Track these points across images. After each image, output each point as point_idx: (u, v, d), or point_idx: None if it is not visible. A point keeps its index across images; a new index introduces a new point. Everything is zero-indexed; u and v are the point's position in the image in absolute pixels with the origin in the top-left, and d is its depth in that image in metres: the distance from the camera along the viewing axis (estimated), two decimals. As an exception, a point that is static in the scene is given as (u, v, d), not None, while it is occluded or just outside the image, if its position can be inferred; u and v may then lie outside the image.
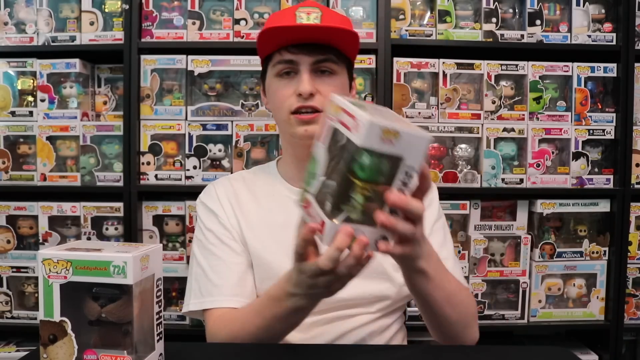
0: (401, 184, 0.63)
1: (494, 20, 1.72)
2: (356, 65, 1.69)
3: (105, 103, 1.81)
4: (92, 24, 1.72)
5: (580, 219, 1.78)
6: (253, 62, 1.67)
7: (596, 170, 1.75)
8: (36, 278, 1.48)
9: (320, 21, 0.98)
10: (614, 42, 1.73)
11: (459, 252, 1.72)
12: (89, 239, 1.71)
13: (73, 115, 1.71)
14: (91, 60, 1.80)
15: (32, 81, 1.75)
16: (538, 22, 1.73)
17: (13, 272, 1.71)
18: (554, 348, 0.83)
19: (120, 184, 1.70)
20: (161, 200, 1.73)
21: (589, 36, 1.73)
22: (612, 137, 1.73)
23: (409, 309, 1.60)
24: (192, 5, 1.70)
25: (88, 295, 0.65)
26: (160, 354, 0.71)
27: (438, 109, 1.71)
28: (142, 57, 1.69)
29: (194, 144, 1.70)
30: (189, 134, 1.69)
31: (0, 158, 1.72)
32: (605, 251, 1.74)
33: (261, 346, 0.85)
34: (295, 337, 0.96)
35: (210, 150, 1.70)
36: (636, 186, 1.73)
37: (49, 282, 0.64)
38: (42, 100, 1.71)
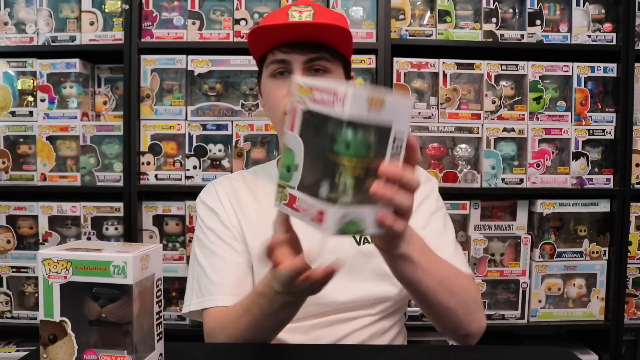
0: (391, 155, 0.60)
1: (494, 20, 1.72)
2: (356, 65, 1.70)
3: (105, 103, 1.81)
4: (92, 24, 1.72)
5: (580, 219, 1.78)
6: (253, 62, 1.64)
7: (596, 170, 1.75)
8: (36, 278, 1.48)
9: (313, 19, 0.97)
10: (614, 42, 1.73)
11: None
12: (89, 239, 1.71)
13: (73, 115, 1.71)
14: (91, 60, 1.80)
15: (32, 81, 1.75)
16: (538, 22, 1.73)
17: (13, 272, 1.71)
18: (554, 348, 0.83)
19: (120, 184, 1.70)
20: (161, 200, 1.73)
21: (589, 36, 1.73)
22: (612, 137, 1.73)
23: (408, 309, 1.60)
24: (192, 5, 1.70)
25: (88, 295, 0.65)
26: (160, 354, 0.71)
27: (438, 109, 1.71)
28: (142, 57, 1.69)
29: (194, 144, 1.70)
30: (189, 134, 1.69)
31: (0, 158, 1.72)
32: (605, 251, 1.74)
33: (261, 346, 0.85)
34: (295, 339, 0.96)
35: (210, 150, 1.71)
36: (636, 186, 1.73)
37: (49, 282, 0.64)
38: (42, 100, 1.71)
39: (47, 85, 1.71)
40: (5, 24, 1.75)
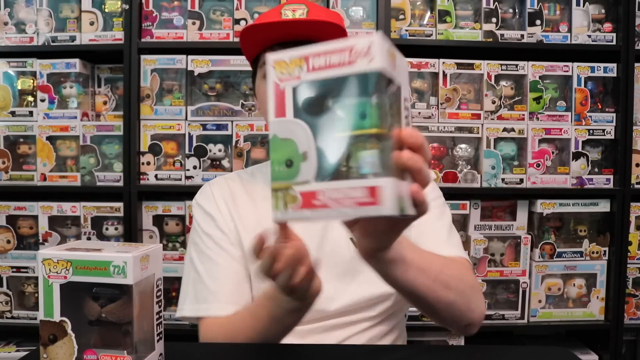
0: (405, 121, 0.54)
1: (494, 20, 1.72)
2: (356, 65, 1.70)
3: (105, 103, 1.81)
4: (92, 24, 1.72)
5: (580, 219, 1.78)
6: (253, 62, 1.67)
7: (596, 170, 1.75)
8: (36, 278, 1.48)
9: (307, 17, 0.95)
10: (614, 42, 1.73)
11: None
12: (89, 239, 1.71)
13: (73, 115, 1.71)
14: (91, 60, 1.80)
15: (32, 81, 1.75)
16: (538, 22, 1.73)
17: (13, 272, 1.71)
18: (554, 348, 0.83)
19: (120, 184, 1.70)
20: (161, 200, 1.73)
21: (589, 36, 1.73)
22: (612, 137, 1.73)
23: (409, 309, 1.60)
24: (192, 5, 1.70)
25: (88, 295, 0.65)
26: (160, 354, 0.71)
27: (438, 109, 1.71)
28: (142, 57, 1.69)
29: (194, 144, 1.70)
30: (189, 134, 1.69)
31: (0, 158, 1.72)
32: (605, 251, 1.74)
33: (261, 346, 0.85)
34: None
35: (210, 150, 1.71)
36: (636, 186, 1.73)
37: (49, 282, 0.64)
38: (42, 100, 1.71)
39: (47, 85, 1.71)
40: (5, 24, 1.75)
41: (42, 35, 1.73)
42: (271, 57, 0.54)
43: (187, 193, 1.70)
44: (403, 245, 0.69)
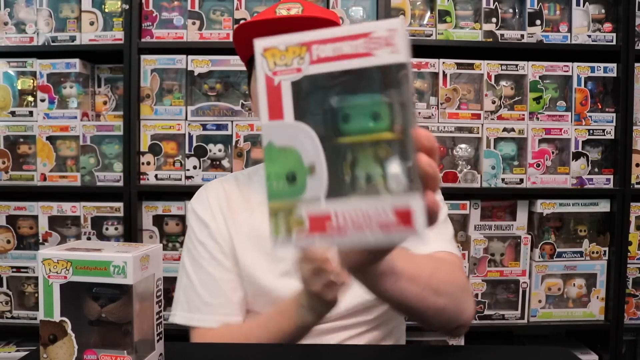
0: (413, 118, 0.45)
1: (494, 20, 1.72)
2: (356, 65, 1.70)
3: (105, 103, 1.81)
4: (92, 24, 1.72)
5: (580, 219, 1.78)
6: (253, 62, 1.67)
7: (596, 170, 1.75)
8: (36, 278, 1.48)
9: (302, 14, 0.93)
10: (614, 42, 1.73)
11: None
12: (89, 239, 1.71)
13: (73, 115, 1.71)
14: (91, 60, 1.80)
15: (32, 81, 1.75)
16: (538, 22, 1.73)
17: (13, 272, 1.71)
18: (554, 348, 0.83)
19: (120, 184, 1.70)
20: (161, 200, 1.73)
21: (589, 36, 1.73)
22: (612, 137, 1.73)
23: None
24: (192, 5, 1.70)
25: (88, 295, 0.65)
26: (160, 354, 0.71)
27: (438, 109, 1.71)
28: (142, 57, 1.69)
29: (194, 144, 1.70)
30: (189, 134, 1.69)
31: (0, 158, 1.72)
32: (605, 251, 1.74)
33: (261, 346, 0.85)
34: None
35: (210, 150, 1.70)
36: (636, 186, 1.73)
37: (49, 282, 0.64)
38: (42, 100, 1.71)
39: (47, 85, 1.71)
40: (5, 24, 1.75)
41: (42, 35, 1.73)
42: (260, 44, 0.45)
43: (187, 193, 1.69)
44: (393, 254, 0.62)
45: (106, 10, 1.73)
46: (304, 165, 0.44)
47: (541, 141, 1.72)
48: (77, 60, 1.71)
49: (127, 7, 1.68)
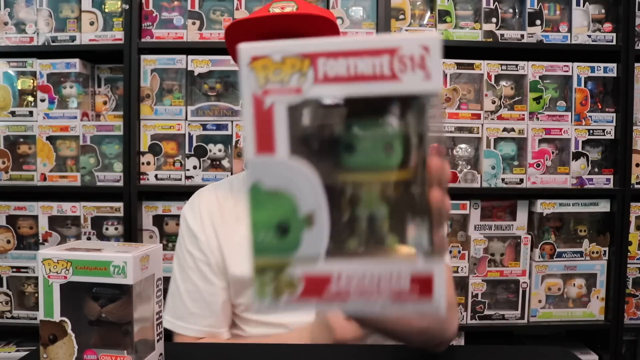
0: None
1: (494, 20, 1.72)
2: (356, 65, 1.70)
3: (105, 103, 1.81)
4: (92, 24, 1.72)
5: (580, 219, 1.78)
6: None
7: (596, 170, 1.75)
8: (36, 278, 1.48)
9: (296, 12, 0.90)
10: (614, 42, 1.73)
11: (459, 252, 1.72)
12: (89, 239, 1.71)
13: (73, 115, 1.71)
14: (91, 60, 1.80)
15: (32, 81, 1.75)
16: (538, 22, 1.73)
17: (13, 272, 1.71)
18: (554, 348, 0.83)
19: (120, 184, 1.70)
20: (161, 200, 1.73)
21: (589, 36, 1.73)
22: (612, 137, 1.73)
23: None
24: (192, 5, 1.70)
25: (88, 295, 0.65)
26: (160, 354, 0.71)
27: (438, 109, 1.71)
28: (142, 57, 1.69)
29: (194, 144, 1.70)
30: (189, 134, 1.69)
31: (0, 158, 1.72)
32: (605, 251, 1.74)
33: (262, 346, 0.85)
34: None
35: (210, 150, 1.70)
36: (636, 186, 1.73)
37: (49, 282, 0.64)
38: (42, 100, 1.71)
39: (47, 85, 1.71)
40: (5, 24, 1.75)
41: (42, 35, 1.73)
42: (247, 51, 0.35)
43: (187, 193, 1.68)
44: None
45: (106, 10, 1.73)
46: (300, 214, 0.35)
47: (541, 141, 1.72)
48: (77, 60, 1.71)
49: (127, 7, 1.68)
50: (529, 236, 1.74)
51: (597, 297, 1.74)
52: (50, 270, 0.64)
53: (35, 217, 1.72)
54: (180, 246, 1.03)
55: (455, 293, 0.90)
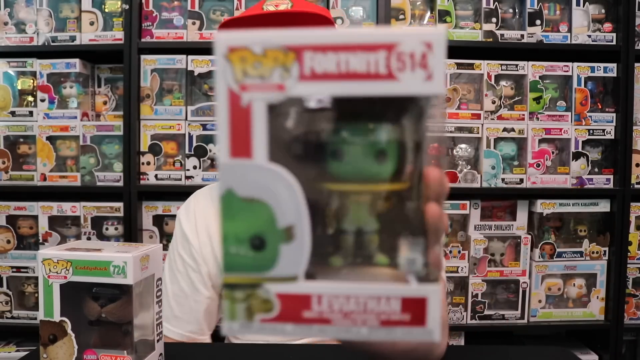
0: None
1: (494, 20, 1.72)
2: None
3: (105, 103, 1.81)
4: (92, 24, 1.72)
5: (580, 219, 1.78)
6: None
7: (596, 170, 1.75)
8: (36, 278, 1.48)
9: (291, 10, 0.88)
10: (614, 42, 1.73)
11: (459, 252, 1.72)
12: (89, 239, 1.71)
13: (73, 115, 1.71)
14: (91, 60, 1.80)
15: (32, 81, 1.75)
16: (538, 22, 1.73)
17: (13, 272, 1.71)
18: (554, 348, 0.83)
19: (120, 184, 1.70)
20: (161, 200, 1.73)
21: (589, 36, 1.73)
22: (612, 137, 1.73)
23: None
24: (192, 5, 1.70)
25: (88, 295, 0.65)
26: (160, 354, 0.71)
27: (438, 109, 1.71)
28: (142, 57, 1.69)
29: (194, 144, 1.70)
30: (189, 134, 1.69)
31: (0, 158, 1.72)
32: (605, 251, 1.74)
33: (262, 346, 0.85)
34: None
35: (210, 150, 1.70)
36: (636, 186, 1.73)
37: (49, 282, 0.64)
38: (42, 100, 1.71)
39: (47, 85, 1.71)
40: (5, 24, 1.74)
41: (42, 35, 1.73)
42: (224, 40, 0.31)
43: (187, 193, 1.67)
44: None
45: (106, 10, 1.73)
46: (278, 226, 0.31)
47: (541, 141, 1.72)
48: (77, 60, 1.71)
49: (127, 7, 1.68)
50: (529, 236, 1.74)
51: (597, 297, 1.74)
52: (50, 270, 0.64)
53: (35, 217, 1.72)
54: (172, 248, 1.01)
55: (447, 309, 0.84)
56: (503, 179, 1.70)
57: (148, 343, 0.68)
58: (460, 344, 1.72)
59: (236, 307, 0.33)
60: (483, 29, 1.72)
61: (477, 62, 1.71)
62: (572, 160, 1.72)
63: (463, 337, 1.73)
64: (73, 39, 1.72)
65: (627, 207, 1.72)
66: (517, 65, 1.71)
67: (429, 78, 0.29)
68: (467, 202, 1.72)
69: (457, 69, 1.71)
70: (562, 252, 1.74)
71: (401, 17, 1.73)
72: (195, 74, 1.71)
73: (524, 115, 1.72)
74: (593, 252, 1.74)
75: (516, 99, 1.74)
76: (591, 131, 1.72)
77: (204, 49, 1.70)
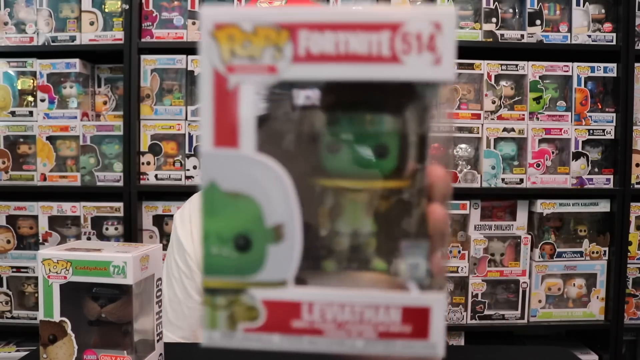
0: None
1: (494, 20, 1.72)
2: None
3: (105, 103, 1.81)
4: (92, 24, 1.72)
5: (580, 219, 1.78)
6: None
7: (596, 170, 1.75)
8: (36, 278, 1.48)
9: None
10: (614, 42, 1.73)
11: (459, 252, 1.72)
12: (89, 239, 1.71)
13: (73, 115, 1.71)
14: (91, 60, 1.80)
15: (32, 81, 1.75)
16: (538, 22, 1.73)
17: (13, 272, 1.71)
18: (554, 348, 0.83)
19: (120, 184, 1.70)
20: (161, 200, 1.73)
21: (589, 36, 1.73)
22: (612, 137, 1.73)
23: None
24: (192, 5, 1.70)
25: (88, 295, 0.65)
26: (160, 354, 0.71)
27: (438, 109, 1.71)
28: (142, 57, 1.69)
29: (194, 143, 1.70)
30: (189, 133, 1.69)
31: (0, 158, 1.72)
32: (605, 251, 1.74)
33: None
34: None
35: (210, 150, 1.70)
36: (636, 186, 1.73)
37: (48, 282, 0.64)
38: (42, 100, 1.71)
39: (47, 85, 1.71)
40: (5, 24, 1.74)
41: (42, 35, 1.73)
42: (210, 16, 0.29)
43: (187, 193, 1.68)
44: None
45: (106, 10, 1.73)
46: (266, 225, 0.28)
47: (541, 141, 1.72)
48: (77, 60, 1.71)
49: (127, 7, 1.68)
50: (529, 236, 1.74)
51: (597, 297, 1.74)
52: (50, 270, 0.64)
53: (35, 217, 1.72)
54: (169, 252, 1.01)
55: (446, 317, 0.85)
56: (503, 179, 1.70)
57: (148, 343, 0.68)
58: (460, 344, 1.72)
59: (217, 315, 0.30)
60: (483, 29, 1.72)
61: (477, 62, 1.71)
62: (572, 160, 1.72)
63: (463, 337, 1.73)
64: (73, 39, 1.72)
65: (627, 207, 1.72)
66: (517, 65, 1.71)
67: (437, 62, 0.26)
68: (467, 202, 1.72)
69: (457, 69, 1.70)
70: (562, 252, 1.74)
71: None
72: (195, 74, 1.72)
73: (524, 115, 1.72)
74: (593, 252, 1.74)
75: (516, 99, 1.74)
76: (591, 131, 1.72)
77: (204, 49, 1.69)
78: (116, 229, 1.73)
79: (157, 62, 1.69)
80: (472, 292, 1.71)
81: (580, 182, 1.72)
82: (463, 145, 1.74)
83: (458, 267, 1.70)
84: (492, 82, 1.71)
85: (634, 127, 1.72)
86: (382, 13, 0.27)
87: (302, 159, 0.30)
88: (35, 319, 1.69)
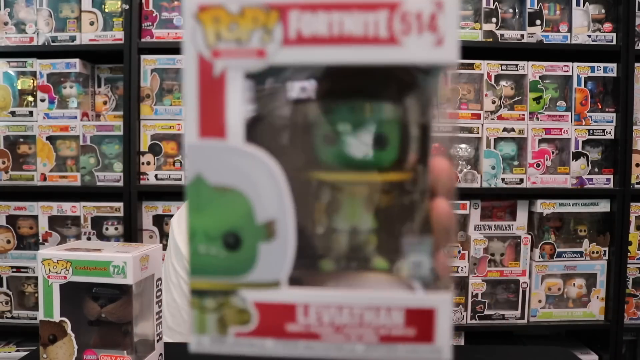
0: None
1: (494, 20, 1.72)
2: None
3: (105, 103, 1.81)
4: (92, 24, 1.72)
5: (580, 219, 1.78)
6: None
7: (596, 170, 1.75)
8: (36, 278, 1.48)
9: None
10: (614, 42, 1.73)
11: (459, 252, 1.72)
12: (89, 239, 1.71)
13: (73, 115, 1.71)
14: (91, 60, 1.80)
15: (32, 81, 1.75)
16: (538, 22, 1.73)
17: (13, 272, 1.71)
18: (554, 348, 0.83)
19: (120, 184, 1.70)
20: (161, 200, 1.73)
21: (589, 36, 1.73)
22: (612, 137, 1.73)
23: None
24: (192, 5, 1.70)
25: (88, 295, 0.65)
26: (160, 354, 0.71)
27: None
28: (142, 57, 1.69)
29: (194, 144, 1.70)
30: (189, 134, 1.69)
31: (0, 158, 1.72)
32: (605, 251, 1.74)
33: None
34: None
35: (210, 150, 1.70)
36: (636, 186, 1.73)
37: (48, 282, 0.64)
38: (42, 100, 1.71)
39: (47, 85, 1.71)
40: (5, 24, 1.74)
41: (42, 35, 1.73)
42: None
43: (187, 193, 1.70)
44: None
45: (106, 10, 1.73)
46: (257, 222, 0.26)
47: (541, 141, 1.72)
48: (77, 60, 1.71)
49: (127, 7, 1.68)
50: (529, 236, 1.74)
51: (597, 297, 1.74)
52: (50, 270, 0.64)
53: (35, 217, 1.72)
54: (166, 257, 1.01)
55: (452, 318, 0.85)
56: (503, 179, 1.70)
57: (148, 343, 0.68)
58: (460, 344, 1.72)
59: (206, 319, 0.27)
60: (483, 29, 1.72)
61: (477, 62, 1.71)
62: (572, 160, 1.72)
63: (463, 337, 1.73)
64: (73, 39, 1.72)
65: (627, 207, 1.72)
66: (517, 65, 1.71)
67: (439, 43, 0.24)
68: (467, 202, 1.72)
69: (457, 69, 1.71)
70: (562, 252, 1.74)
71: None
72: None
73: (524, 115, 1.72)
74: (593, 252, 1.74)
75: (516, 99, 1.74)
76: (591, 131, 1.72)
77: (204, 49, 1.69)
78: (116, 229, 1.73)
79: (157, 62, 1.69)
80: (472, 292, 1.71)
81: (580, 182, 1.72)
82: (463, 145, 1.74)
83: (458, 267, 1.70)
84: (492, 82, 1.71)
85: (634, 127, 1.72)
86: None
87: (296, 150, 0.28)
88: (35, 319, 1.69)
